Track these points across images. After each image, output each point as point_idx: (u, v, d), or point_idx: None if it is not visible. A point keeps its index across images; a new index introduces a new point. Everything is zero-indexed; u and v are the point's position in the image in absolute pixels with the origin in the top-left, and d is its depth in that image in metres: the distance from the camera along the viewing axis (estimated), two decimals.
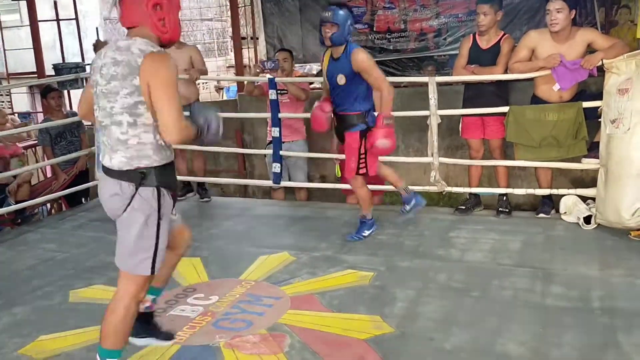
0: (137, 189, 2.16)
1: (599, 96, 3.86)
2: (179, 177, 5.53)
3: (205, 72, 5.22)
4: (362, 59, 3.61)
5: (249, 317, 2.92)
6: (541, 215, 4.27)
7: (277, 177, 5.00)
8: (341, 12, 3.60)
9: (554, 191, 4.24)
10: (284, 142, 4.97)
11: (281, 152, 4.94)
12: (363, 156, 3.79)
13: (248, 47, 7.35)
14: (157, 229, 2.20)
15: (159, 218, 2.19)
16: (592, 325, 2.68)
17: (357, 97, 3.74)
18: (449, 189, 4.51)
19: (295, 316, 2.92)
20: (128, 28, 2.23)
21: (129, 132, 2.14)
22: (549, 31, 3.94)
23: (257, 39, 7.03)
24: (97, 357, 2.24)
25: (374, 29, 6.59)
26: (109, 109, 2.15)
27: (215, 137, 2.26)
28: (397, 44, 6.52)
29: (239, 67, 6.92)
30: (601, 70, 3.82)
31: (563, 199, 4.16)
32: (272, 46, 6.86)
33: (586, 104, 3.92)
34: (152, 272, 2.22)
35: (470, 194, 4.55)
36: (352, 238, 3.97)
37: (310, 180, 6.30)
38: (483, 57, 4.23)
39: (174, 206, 2.32)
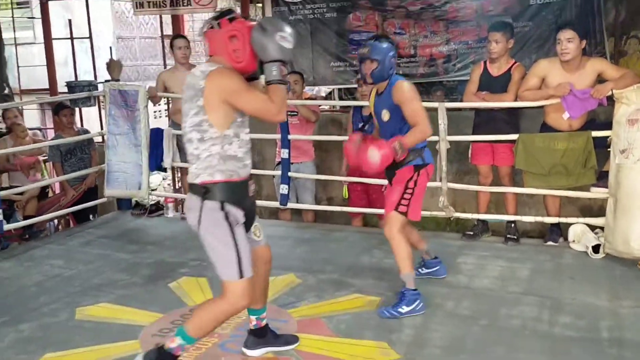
0: (202, 202, 2.36)
1: (608, 126, 3.87)
2: (183, 195, 5.58)
3: None
4: (402, 90, 3.15)
5: None
6: (549, 243, 4.25)
7: (285, 199, 5.01)
8: (380, 46, 3.17)
9: (563, 219, 4.23)
10: (292, 164, 5.00)
11: (289, 174, 4.96)
12: (410, 191, 3.22)
13: None
14: (232, 239, 2.37)
15: (231, 228, 2.36)
16: (600, 356, 2.67)
17: (405, 133, 3.17)
18: (457, 214, 4.50)
19: (302, 340, 2.90)
20: (210, 56, 2.43)
21: (200, 147, 2.36)
22: (560, 60, 3.96)
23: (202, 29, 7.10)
24: (176, 336, 2.40)
25: None
26: (184, 128, 2.40)
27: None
28: (407, 69, 6.57)
29: None
30: (611, 100, 3.83)
31: (571, 227, 4.14)
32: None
33: (595, 134, 3.93)
34: (241, 276, 2.36)
35: (478, 220, 4.54)
36: (384, 314, 3.14)
37: (317, 201, 6.31)
38: (493, 85, 4.26)
39: (249, 223, 2.50)
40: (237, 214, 2.39)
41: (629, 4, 5.69)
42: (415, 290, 3.15)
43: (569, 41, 3.85)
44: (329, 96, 8.15)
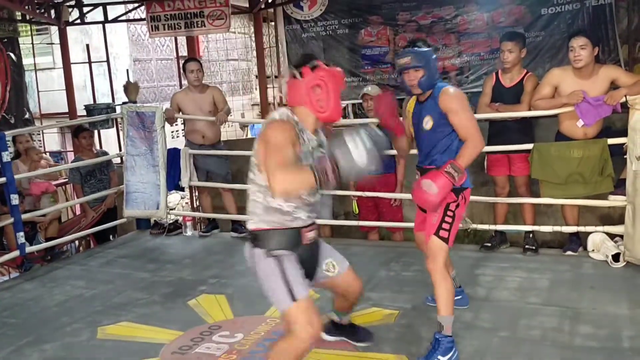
0: (252, 250, 2.43)
1: (624, 133, 3.85)
2: (203, 214, 5.63)
3: (228, 112, 5.35)
4: (451, 97, 2.82)
5: None
6: (569, 252, 4.21)
7: None
8: (422, 51, 2.85)
9: (581, 228, 4.19)
10: None
11: None
12: (451, 214, 2.87)
13: (273, 87, 7.50)
14: (279, 269, 2.35)
15: (279, 264, 2.35)
16: None
17: (448, 146, 2.91)
18: (474, 226, 4.48)
19: (320, 355, 2.90)
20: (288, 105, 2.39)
21: (251, 188, 2.39)
22: (572, 68, 3.96)
23: (282, 77, 7.19)
24: None
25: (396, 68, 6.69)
26: None
27: (350, 172, 2.09)
28: None
29: (264, 106, 7.06)
30: (625, 106, 3.81)
31: (591, 236, 4.11)
32: None
33: (611, 141, 3.91)
34: (293, 299, 2.30)
35: (495, 231, 4.52)
36: None
37: (334, 216, 6.33)
38: (506, 95, 4.26)
39: (310, 266, 2.49)
40: (285, 255, 2.37)
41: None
42: (450, 337, 2.75)
43: (581, 48, 3.84)
44: (344, 111, 8.20)
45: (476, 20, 6.26)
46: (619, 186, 3.95)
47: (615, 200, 3.98)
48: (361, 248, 4.80)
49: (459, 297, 3.31)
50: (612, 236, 4.06)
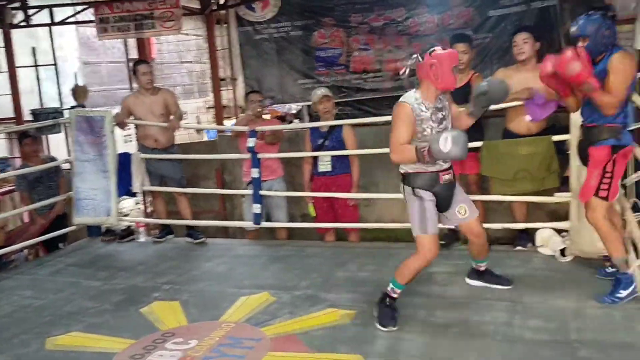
0: (403, 186, 3.20)
1: (568, 130, 3.96)
2: (157, 220, 5.54)
3: (181, 116, 5.27)
4: (617, 60, 3.11)
5: None
6: (519, 248, 4.32)
7: (258, 218, 5.01)
8: (587, 22, 3.16)
9: (530, 225, 4.31)
10: (264, 181, 5.00)
11: (262, 192, 4.97)
12: (609, 175, 3.22)
13: (227, 89, 7.44)
14: (419, 208, 3.12)
15: (420, 202, 3.12)
16: (570, 358, 2.70)
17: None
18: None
19: (276, 358, 2.90)
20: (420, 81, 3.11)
21: None
22: (517, 66, 4.16)
23: (236, 80, 7.14)
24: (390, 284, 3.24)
25: (350, 70, 6.74)
26: None
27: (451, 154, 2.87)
28: (373, 84, 6.66)
29: (218, 109, 7.00)
30: (560, 106, 3.97)
31: (539, 232, 4.22)
32: (250, 87, 6.97)
33: (556, 138, 4.03)
34: (424, 232, 3.11)
35: (449, 229, 4.58)
36: (605, 301, 3.21)
37: (291, 218, 6.32)
38: (455, 96, 4.32)
39: (446, 202, 3.21)
40: (425, 195, 3.11)
41: (584, 13, 5.85)
42: (628, 273, 3.20)
43: (524, 42, 4.09)
44: (298, 113, 8.20)
45: (427, 23, 6.36)
46: (564, 183, 4.07)
47: (561, 197, 4.10)
48: (318, 249, 4.81)
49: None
50: (559, 231, 4.17)
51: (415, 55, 3.11)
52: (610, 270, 3.50)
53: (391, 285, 3.21)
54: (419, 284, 3.75)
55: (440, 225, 4.39)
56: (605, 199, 3.22)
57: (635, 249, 3.42)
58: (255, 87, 6.89)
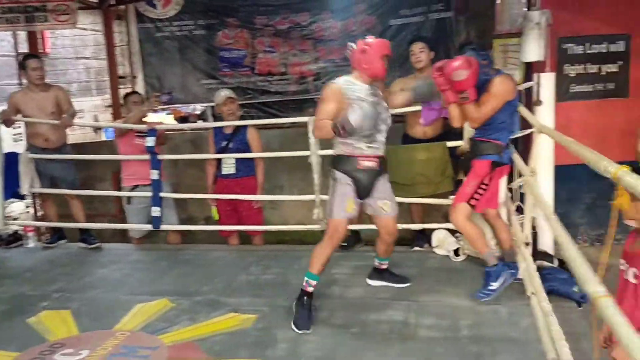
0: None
1: (462, 137, 4.17)
2: (48, 224, 5.22)
3: (74, 114, 5.01)
4: (496, 83, 3.33)
5: None
6: (416, 248, 4.49)
7: (158, 221, 4.85)
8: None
9: (427, 225, 4.49)
10: (148, 185, 4.85)
11: (162, 195, 4.83)
12: (484, 187, 3.45)
13: (126, 87, 7.15)
14: (333, 192, 3.27)
15: (336, 187, 3.26)
16: (461, 353, 2.84)
17: (493, 123, 3.39)
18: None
19: None
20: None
21: None
22: (415, 73, 4.38)
23: (136, 78, 6.88)
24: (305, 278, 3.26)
25: (255, 72, 6.71)
26: None
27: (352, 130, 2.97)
28: (279, 87, 6.67)
29: (117, 107, 6.71)
30: None
31: (435, 233, 4.40)
32: (151, 86, 6.76)
33: (450, 144, 4.22)
34: (331, 216, 3.26)
35: (351, 230, 4.67)
36: (480, 297, 3.40)
37: (194, 221, 6.19)
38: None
39: (364, 191, 3.29)
40: (342, 177, 3.23)
41: (477, 25, 6.20)
42: (496, 264, 3.39)
43: (420, 51, 4.30)
44: (202, 114, 8.06)
45: (331, 28, 6.47)
46: (459, 186, 4.27)
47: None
48: (221, 253, 4.74)
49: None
50: (453, 232, 4.37)
51: (350, 44, 3.25)
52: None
53: (305, 278, 3.26)
54: (320, 286, 3.78)
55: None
56: (473, 207, 3.47)
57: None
58: (156, 86, 6.70)
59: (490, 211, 3.69)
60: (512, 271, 3.45)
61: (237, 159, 4.79)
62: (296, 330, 3.13)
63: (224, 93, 4.84)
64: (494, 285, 3.37)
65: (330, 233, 3.25)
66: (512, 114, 3.47)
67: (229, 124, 4.80)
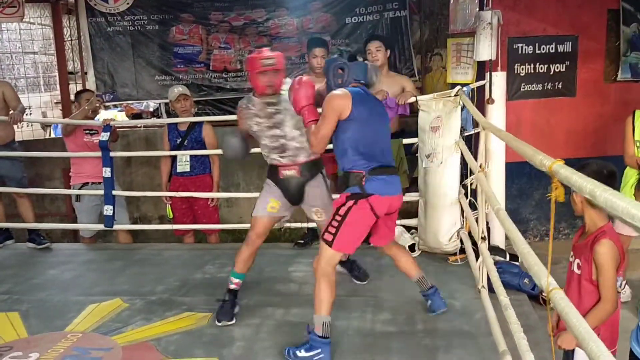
0: None
1: (416, 134, 4.24)
2: None
3: (23, 110, 4.85)
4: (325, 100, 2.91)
5: None
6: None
7: (110, 220, 4.74)
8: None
9: None
10: (99, 183, 4.75)
11: (115, 193, 4.72)
12: (338, 219, 2.79)
13: (76, 83, 6.96)
14: (261, 194, 3.35)
15: (263, 189, 3.35)
16: (416, 347, 2.88)
17: (339, 148, 2.93)
18: (288, 224, 4.59)
19: None
20: None
21: None
22: None
23: (86, 74, 6.70)
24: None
25: (211, 68, 6.63)
26: None
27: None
28: (234, 83, 6.61)
29: (66, 103, 6.52)
30: (414, 111, 4.24)
31: None
32: (102, 82, 6.59)
33: (406, 141, 4.28)
34: (252, 214, 3.35)
35: (308, 228, 4.68)
36: (289, 354, 2.80)
37: (148, 220, 6.09)
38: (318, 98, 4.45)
39: (292, 200, 3.29)
40: (268, 182, 3.31)
41: (431, 25, 6.31)
42: (324, 338, 2.76)
43: (377, 50, 4.31)
44: (156, 111, 7.91)
45: (287, 25, 6.45)
46: (414, 183, 4.35)
47: (410, 196, 4.37)
48: (176, 252, 4.67)
49: (430, 302, 3.26)
50: (409, 229, 4.44)
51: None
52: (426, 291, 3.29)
53: (230, 277, 3.29)
54: (277, 283, 3.80)
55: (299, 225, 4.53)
56: (329, 244, 2.80)
57: (476, 245, 3.72)
58: (108, 83, 6.54)
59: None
60: (322, 356, 2.75)
61: (192, 157, 4.73)
62: (217, 323, 3.18)
63: (178, 90, 4.77)
64: (303, 354, 2.75)
65: (250, 230, 3.27)
66: (360, 134, 2.83)
67: (184, 120, 4.73)
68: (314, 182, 3.26)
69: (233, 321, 3.20)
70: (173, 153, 4.73)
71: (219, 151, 4.75)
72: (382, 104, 3.23)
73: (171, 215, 4.84)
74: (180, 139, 4.73)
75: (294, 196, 3.27)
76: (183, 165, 4.74)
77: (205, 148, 4.73)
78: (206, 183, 4.80)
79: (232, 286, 3.27)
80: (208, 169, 4.80)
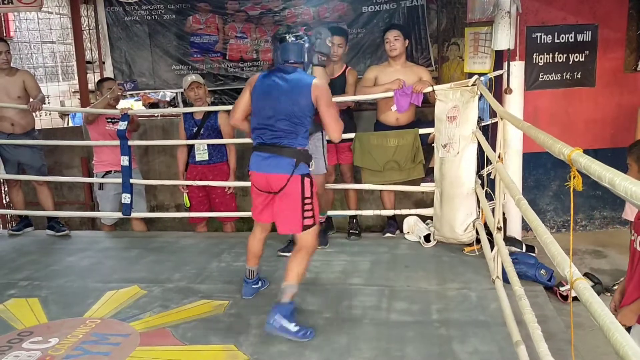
0: None
1: (433, 124, 4.21)
2: (14, 211, 5.12)
3: (43, 99, 4.90)
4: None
5: (94, 358, 2.75)
6: (387, 235, 4.52)
7: (128, 208, 4.79)
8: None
9: (398, 212, 4.53)
10: (118, 171, 4.80)
11: (133, 181, 4.77)
12: (309, 201, 3.03)
13: (94, 72, 7.01)
14: None
15: None
16: (431, 337, 2.88)
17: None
18: None
19: (144, 353, 2.80)
20: None
21: None
22: (388, 62, 4.39)
23: (104, 63, 6.74)
24: None
25: (227, 58, 6.63)
26: None
27: None
28: (250, 73, 6.60)
29: (84, 93, 6.57)
30: (428, 102, 4.23)
31: (406, 220, 4.45)
32: (120, 71, 6.62)
33: (422, 131, 4.27)
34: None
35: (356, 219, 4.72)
36: (267, 328, 2.90)
37: (165, 209, 6.14)
38: (331, 87, 4.44)
39: None
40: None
41: (448, 14, 6.24)
42: (292, 303, 2.94)
43: (395, 39, 4.29)
44: (173, 100, 7.95)
45: (303, 14, 6.42)
46: (429, 174, 4.34)
47: (426, 187, 4.36)
48: (193, 240, 4.71)
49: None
50: (424, 219, 4.43)
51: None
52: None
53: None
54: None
55: None
56: (314, 223, 3.06)
57: (492, 235, 3.71)
58: (125, 72, 6.57)
59: None
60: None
61: (209, 145, 4.76)
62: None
63: (190, 78, 4.80)
64: (294, 325, 2.87)
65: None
66: (261, 113, 3.07)
67: (201, 109, 4.76)
68: (313, 142, 3.50)
69: (327, 245, 4.13)
70: (192, 142, 4.76)
71: (236, 140, 4.77)
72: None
73: (188, 204, 4.88)
74: (197, 128, 4.76)
75: None
76: (201, 154, 4.77)
77: (221, 136, 4.75)
78: (223, 171, 4.84)
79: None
80: (225, 157, 4.83)
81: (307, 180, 3.01)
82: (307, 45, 3.13)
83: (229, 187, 4.83)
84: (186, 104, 6.94)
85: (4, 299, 3.51)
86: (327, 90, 3.10)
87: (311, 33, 3.57)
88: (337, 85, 4.43)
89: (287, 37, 3.09)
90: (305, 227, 3.02)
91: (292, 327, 2.87)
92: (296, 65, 3.11)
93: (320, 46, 3.57)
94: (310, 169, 3.09)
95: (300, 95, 3.00)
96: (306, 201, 2.99)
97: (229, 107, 5.55)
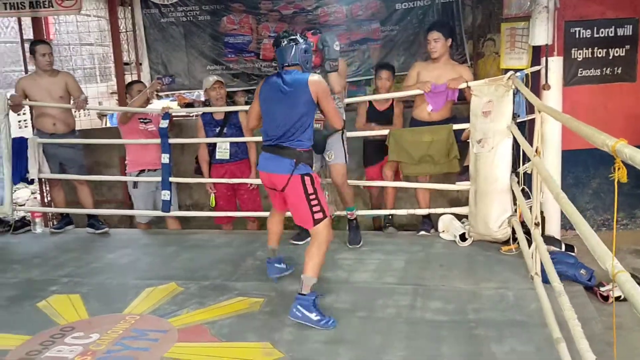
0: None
1: (467, 121, 4.17)
2: (55, 209, 5.26)
3: (86, 99, 5.03)
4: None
5: (134, 353, 2.81)
6: (422, 233, 4.49)
7: (167, 206, 4.88)
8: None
9: (432, 210, 4.50)
10: (155, 170, 4.89)
11: (173, 179, 4.86)
12: (314, 196, 3.16)
13: (131, 73, 7.15)
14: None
15: None
16: (467, 337, 2.85)
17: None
18: (338, 212, 4.61)
19: (182, 349, 2.85)
20: None
21: None
22: (432, 59, 4.44)
23: (141, 64, 6.88)
24: None
25: (261, 57, 6.69)
26: None
27: None
28: None
29: (122, 94, 6.71)
30: (463, 98, 4.19)
31: (441, 218, 4.41)
32: (156, 72, 6.76)
33: (457, 126, 4.24)
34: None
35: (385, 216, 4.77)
36: (291, 315, 3.05)
37: (200, 208, 6.22)
38: (379, 117, 4.77)
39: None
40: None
41: (484, 9, 6.16)
42: (313, 293, 3.06)
43: (435, 41, 4.30)
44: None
45: (336, 13, 6.43)
46: (464, 172, 4.29)
47: (461, 185, 4.31)
48: (227, 238, 4.76)
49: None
50: (459, 217, 4.38)
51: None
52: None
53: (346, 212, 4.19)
54: (325, 270, 3.80)
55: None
56: (324, 217, 3.17)
57: (529, 233, 3.65)
58: (162, 72, 6.69)
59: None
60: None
61: (232, 144, 4.80)
62: (349, 246, 4.19)
63: (213, 78, 4.89)
64: (315, 315, 3.00)
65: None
66: (266, 116, 3.27)
67: (238, 108, 4.84)
68: (335, 136, 3.83)
69: (360, 243, 4.20)
70: (221, 140, 4.80)
71: (257, 138, 4.79)
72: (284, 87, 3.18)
73: (214, 204, 4.94)
74: (219, 128, 4.81)
75: (318, 144, 3.57)
76: (222, 152, 4.82)
77: (243, 133, 4.79)
78: (248, 167, 4.90)
79: (349, 217, 4.17)
80: (246, 155, 4.88)
81: (307, 179, 3.14)
82: (303, 46, 3.23)
83: (251, 183, 4.86)
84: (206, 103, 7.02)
85: (47, 294, 3.61)
86: (324, 83, 3.24)
87: (315, 38, 3.73)
88: (385, 116, 4.74)
89: (282, 42, 3.23)
90: (316, 221, 3.13)
91: (314, 316, 3.00)
92: (293, 67, 3.23)
93: (329, 53, 3.72)
94: (330, 159, 3.67)
95: (300, 94, 3.14)
96: (311, 197, 3.13)
97: (247, 107, 5.65)
